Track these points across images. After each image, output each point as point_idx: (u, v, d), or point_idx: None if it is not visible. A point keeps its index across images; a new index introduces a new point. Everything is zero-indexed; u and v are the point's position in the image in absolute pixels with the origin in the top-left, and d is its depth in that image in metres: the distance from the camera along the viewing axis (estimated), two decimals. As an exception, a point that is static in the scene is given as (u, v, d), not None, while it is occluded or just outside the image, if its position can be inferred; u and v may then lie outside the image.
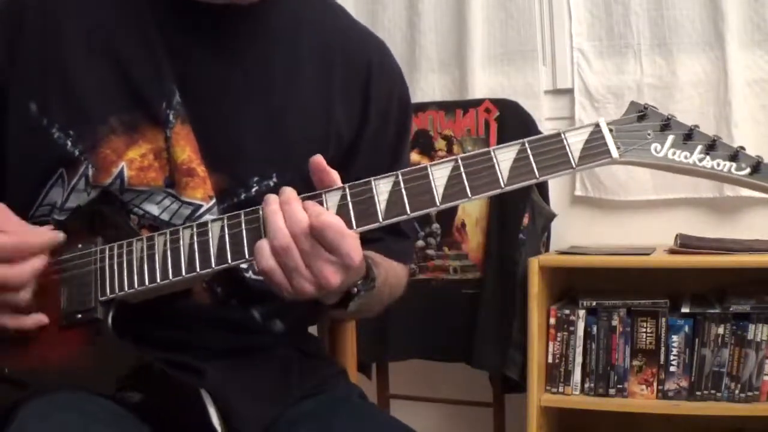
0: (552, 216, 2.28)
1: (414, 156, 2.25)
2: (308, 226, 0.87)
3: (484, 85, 2.48)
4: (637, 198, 2.37)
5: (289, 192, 0.90)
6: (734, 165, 0.86)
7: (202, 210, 1.04)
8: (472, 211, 2.25)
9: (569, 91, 2.45)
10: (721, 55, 2.24)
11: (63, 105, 1.04)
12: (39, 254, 0.96)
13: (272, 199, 0.90)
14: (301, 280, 0.88)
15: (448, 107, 2.32)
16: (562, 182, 2.45)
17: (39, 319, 0.96)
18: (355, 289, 0.98)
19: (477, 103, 2.29)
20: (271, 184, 1.05)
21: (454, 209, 2.26)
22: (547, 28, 2.49)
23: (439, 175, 0.89)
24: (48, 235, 0.98)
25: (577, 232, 2.42)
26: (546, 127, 2.32)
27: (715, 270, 2.09)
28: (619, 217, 2.42)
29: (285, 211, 0.88)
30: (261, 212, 0.91)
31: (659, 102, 2.24)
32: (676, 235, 2.07)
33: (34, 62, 1.06)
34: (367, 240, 0.98)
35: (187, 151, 1.04)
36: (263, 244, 0.89)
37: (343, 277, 0.89)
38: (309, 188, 0.92)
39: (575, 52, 2.43)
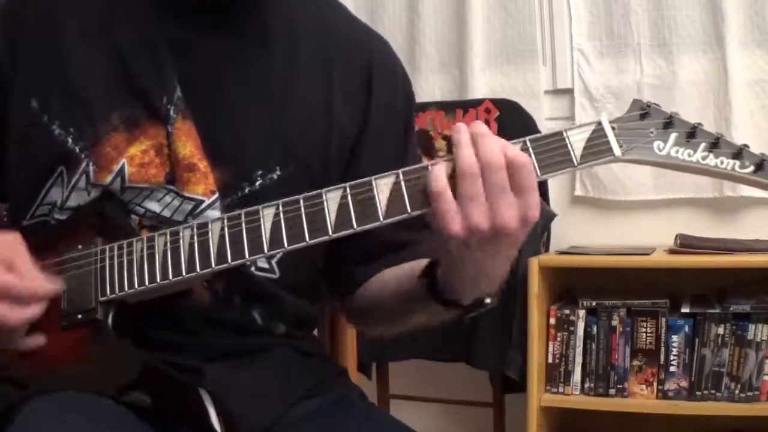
0: (552, 216, 2.27)
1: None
2: (505, 158, 0.84)
3: (484, 85, 2.48)
4: (637, 198, 2.37)
5: (481, 125, 0.87)
6: (738, 163, 0.86)
7: (203, 205, 1.03)
8: (472, 211, 2.25)
9: (569, 91, 2.46)
10: (721, 55, 2.24)
11: (64, 102, 1.04)
12: (38, 304, 0.93)
13: (463, 126, 0.87)
14: (477, 211, 0.84)
15: (448, 107, 2.32)
16: (562, 182, 2.45)
17: (36, 342, 0.95)
18: (489, 300, 0.97)
19: (477, 103, 2.29)
20: (275, 177, 1.05)
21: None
22: (547, 28, 2.49)
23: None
24: (53, 288, 0.95)
25: (577, 232, 2.42)
26: (546, 127, 2.32)
27: (715, 270, 2.09)
28: (619, 217, 2.42)
29: (479, 141, 0.85)
30: (452, 139, 0.87)
31: (659, 102, 2.23)
32: (676, 235, 2.07)
33: (35, 59, 1.06)
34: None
35: (188, 147, 1.03)
36: (440, 167, 0.86)
37: (520, 225, 0.85)
38: (312, 180, 0.92)
39: (575, 52, 2.43)
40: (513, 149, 0.85)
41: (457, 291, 0.96)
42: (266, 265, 1.07)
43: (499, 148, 0.84)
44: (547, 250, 2.30)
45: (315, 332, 1.33)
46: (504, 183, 0.84)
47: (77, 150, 1.03)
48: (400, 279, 1.06)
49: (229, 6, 1.06)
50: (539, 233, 2.23)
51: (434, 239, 0.89)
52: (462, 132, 0.86)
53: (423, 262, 1.00)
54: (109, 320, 0.96)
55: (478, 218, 0.84)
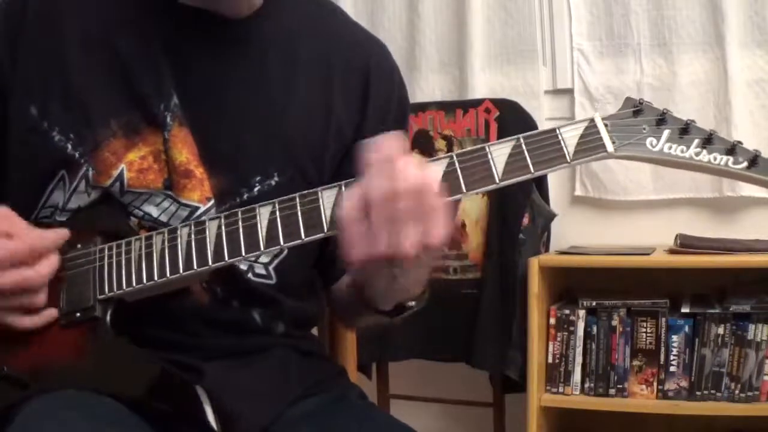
0: (552, 216, 2.28)
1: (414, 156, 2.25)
2: (410, 184, 0.81)
3: (484, 85, 2.48)
4: (637, 198, 2.37)
5: (389, 148, 0.84)
6: (731, 159, 0.86)
7: (199, 212, 1.04)
8: (471, 211, 2.26)
9: (569, 91, 2.46)
10: (721, 55, 2.24)
11: (63, 108, 1.04)
12: (51, 254, 0.97)
13: (374, 149, 0.84)
14: (377, 237, 0.81)
15: (448, 107, 2.32)
16: (562, 182, 2.45)
17: (50, 314, 0.97)
18: (412, 303, 0.99)
19: (477, 103, 2.29)
20: (273, 183, 1.06)
21: (454, 209, 2.25)
22: (547, 28, 2.49)
23: (434, 172, 0.89)
24: (56, 233, 0.99)
25: (577, 232, 2.42)
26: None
27: (715, 270, 2.09)
28: (619, 217, 2.42)
29: (385, 167, 0.82)
30: (365, 162, 0.84)
31: (659, 102, 2.23)
32: (676, 235, 2.07)
33: (35, 64, 1.06)
34: None
35: (184, 153, 1.04)
36: (352, 192, 0.83)
37: (422, 252, 0.82)
38: (309, 186, 0.92)
39: (575, 52, 2.43)
40: (417, 174, 0.82)
41: (375, 301, 0.99)
42: (263, 272, 1.08)
43: (407, 172, 0.81)
44: (547, 250, 2.30)
45: (315, 332, 1.34)
46: (407, 208, 0.80)
47: (77, 155, 1.04)
48: (346, 281, 1.10)
49: (232, 17, 1.07)
50: (539, 233, 2.24)
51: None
52: (374, 159, 0.83)
53: None
54: (108, 318, 0.96)
55: (380, 245, 0.81)
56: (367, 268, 0.85)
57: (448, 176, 0.89)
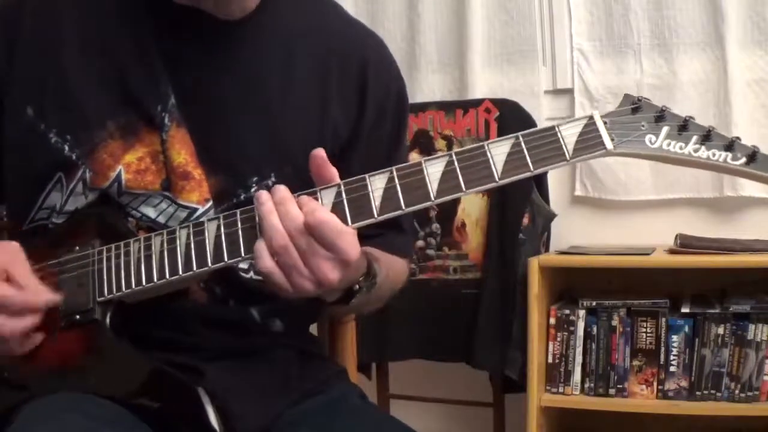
0: (552, 216, 2.27)
1: (414, 156, 2.25)
2: (303, 223, 0.87)
3: (484, 85, 2.48)
4: (637, 198, 2.37)
5: (282, 190, 0.90)
6: (730, 155, 0.86)
7: (198, 213, 1.04)
8: (472, 211, 2.25)
9: (569, 91, 2.45)
10: (721, 55, 2.24)
11: (60, 109, 1.04)
12: (37, 313, 0.95)
13: (265, 197, 0.90)
14: (300, 278, 0.88)
15: (448, 107, 2.32)
16: (562, 182, 2.45)
17: (34, 342, 0.96)
18: (357, 286, 0.99)
19: (477, 103, 2.29)
20: (270, 184, 1.05)
21: (454, 209, 2.26)
22: (547, 28, 2.49)
23: (434, 170, 0.89)
24: (49, 298, 0.96)
25: (577, 232, 2.42)
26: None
27: (715, 270, 2.08)
28: (619, 217, 2.41)
29: (280, 210, 0.88)
30: (256, 212, 0.91)
31: (659, 102, 2.24)
32: (676, 235, 2.07)
33: (32, 65, 1.06)
34: (366, 236, 0.98)
35: (183, 154, 1.04)
36: (261, 246, 0.89)
37: (342, 274, 0.89)
38: (307, 187, 0.92)
39: (575, 52, 2.43)
40: (311, 208, 0.88)
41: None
42: None
43: (298, 214, 0.88)
44: (547, 250, 2.30)
45: (315, 332, 1.34)
46: (312, 246, 0.87)
47: (74, 157, 1.04)
48: None
49: (225, 18, 1.07)
50: (539, 233, 2.24)
51: None
52: (264, 202, 0.89)
53: None
54: (107, 320, 0.97)
55: (304, 284, 0.89)
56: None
57: (447, 175, 0.89)
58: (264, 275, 0.89)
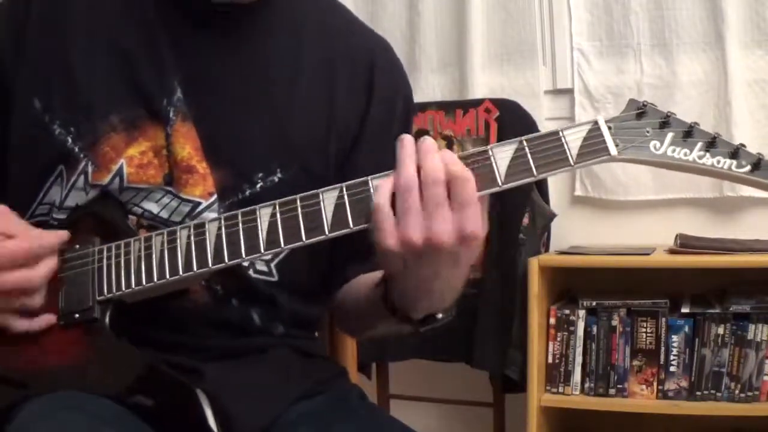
0: (552, 216, 2.27)
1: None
2: (444, 172, 0.83)
3: (484, 85, 2.48)
4: (637, 198, 2.37)
5: (428, 141, 0.86)
6: (735, 162, 0.85)
7: (201, 207, 1.04)
8: (471, 211, 2.25)
9: (569, 91, 2.46)
10: (721, 55, 2.24)
11: (65, 101, 1.04)
12: (50, 256, 0.96)
13: (408, 141, 0.86)
14: (412, 222, 0.82)
15: (448, 107, 2.32)
16: (562, 182, 2.45)
17: (48, 319, 0.96)
18: (440, 315, 0.96)
19: (477, 103, 2.29)
20: (276, 179, 1.05)
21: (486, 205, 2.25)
22: (547, 28, 2.49)
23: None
24: (56, 234, 0.98)
25: (577, 232, 2.42)
26: (546, 127, 2.29)
27: (715, 270, 2.09)
28: (619, 217, 2.42)
29: (420, 156, 0.84)
30: (396, 151, 0.86)
31: (659, 102, 2.22)
32: (676, 235, 2.07)
33: (39, 57, 1.06)
34: None
35: (187, 149, 1.04)
36: (385, 182, 0.85)
37: (457, 241, 0.83)
38: (312, 182, 0.92)
39: (575, 52, 2.43)
40: (456, 164, 0.84)
41: (404, 305, 0.95)
42: (265, 268, 1.07)
43: (440, 163, 0.83)
44: (547, 250, 2.30)
45: (315, 332, 1.33)
46: (440, 197, 0.82)
47: (76, 149, 1.03)
48: (367, 284, 1.06)
49: (230, 9, 1.07)
50: (539, 233, 2.24)
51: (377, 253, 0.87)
52: (406, 147, 0.85)
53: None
54: (107, 319, 0.96)
55: (412, 231, 0.83)
56: (403, 258, 0.85)
57: None
58: (374, 209, 0.85)
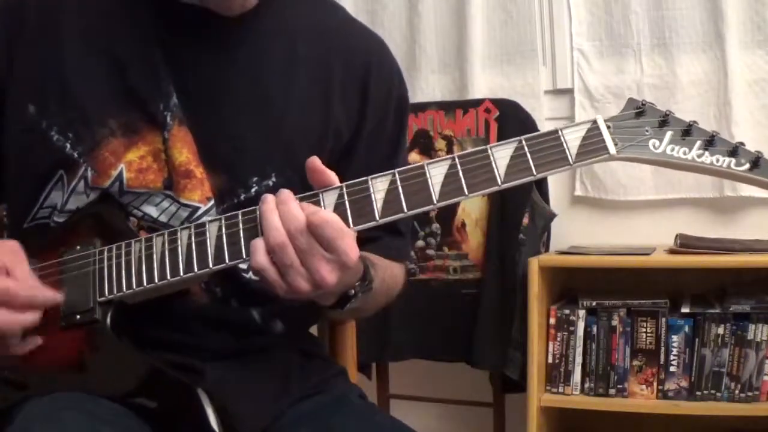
0: (552, 216, 2.27)
1: (414, 156, 2.25)
2: (305, 223, 0.86)
3: (484, 85, 2.48)
4: (637, 198, 2.37)
5: (286, 192, 0.89)
6: (733, 161, 0.86)
7: (200, 212, 1.04)
8: (472, 211, 2.25)
9: (569, 91, 2.45)
10: (721, 55, 2.24)
11: (61, 107, 1.04)
12: (37, 311, 0.95)
13: (269, 198, 0.89)
14: (297, 277, 0.87)
15: (448, 107, 2.32)
16: (562, 182, 2.45)
17: (35, 343, 0.96)
18: (353, 291, 0.98)
19: (477, 103, 2.29)
20: (270, 184, 1.06)
21: (454, 209, 2.26)
22: (547, 28, 2.49)
23: (436, 173, 0.89)
24: (53, 296, 0.96)
25: (577, 232, 2.42)
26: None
27: (715, 270, 2.09)
28: (619, 217, 2.41)
29: (281, 210, 0.88)
30: (258, 212, 0.91)
31: (659, 102, 2.23)
32: (676, 235, 2.07)
33: (33, 62, 1.06)
34: (364, 239, 0.97)
35: (184, 153, 1.04)
36: (258, 242, 0.88)
37: (340, 276, 0.88)
38: (308, 188, 0.92)
39: (575, 52, 2.43)
40: (313, 209, 0.88)
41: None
42: None
43: (300, 214, 0.87)
44: (547, 250, 2.30)
45: (315, 332, 1.34)
46: (312, 246, 0.87)
47: (76, 155, 1.03)
48: None
49: (225, 14, 1.07)
50: (539, 233, 2.23)
51: None
52: (267, 202, 0.89)
53: None
54: (108, 321, 0.96)
55: (299, 284, 0.87)
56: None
57: (450, 178, 0.89)
58: (256, 272, 0.88)
